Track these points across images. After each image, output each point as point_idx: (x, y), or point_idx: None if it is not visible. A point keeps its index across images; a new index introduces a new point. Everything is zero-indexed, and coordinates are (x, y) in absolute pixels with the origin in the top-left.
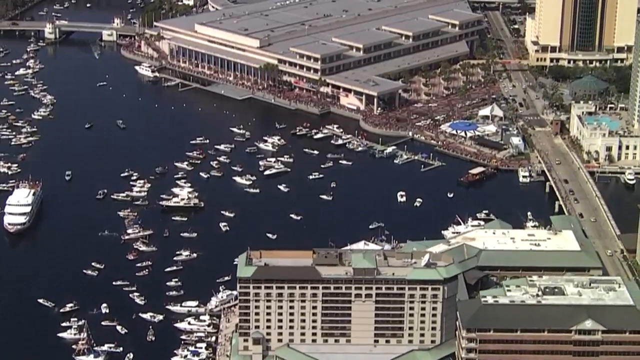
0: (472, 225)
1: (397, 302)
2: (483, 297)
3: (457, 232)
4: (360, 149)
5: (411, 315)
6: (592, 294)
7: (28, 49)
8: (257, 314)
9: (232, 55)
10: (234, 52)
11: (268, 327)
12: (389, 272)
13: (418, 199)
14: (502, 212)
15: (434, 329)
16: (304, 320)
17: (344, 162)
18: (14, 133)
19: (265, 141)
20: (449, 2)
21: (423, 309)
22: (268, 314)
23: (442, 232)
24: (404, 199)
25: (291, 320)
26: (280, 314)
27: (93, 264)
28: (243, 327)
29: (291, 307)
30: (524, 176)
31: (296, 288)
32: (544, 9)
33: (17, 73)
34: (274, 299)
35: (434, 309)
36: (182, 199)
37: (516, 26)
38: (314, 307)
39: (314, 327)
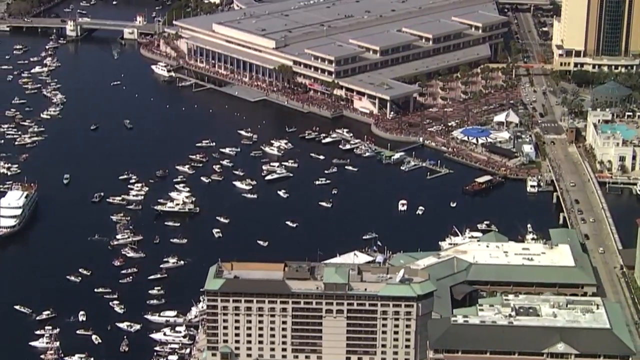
0: (470, 237)
1: (370, 319)
2: (453, 317)
3: (453, 244)
4: (367, 154)
5: (384, 332)
6: (567, 316)
7: (47, 47)
8: (225, 327)
9: (248, 55)
10: (250, 52)
11: (237, 341)
12: (362, 287)
13: (420, 207)
14: (504, 223)
15: (407, 347)
16: (273, 336)
17: (350, 168)
18: (19, 132)
19: (272, 145)
20: (476, 4)
21: (396, 326)
22: (237, 328)
23: (439, 243)
24: (404, 207)
25: (260, 335)
26: (249, 328)
27: (80, 269)
28: (211, 341)
29: (260, 322)
30: (532, 186)
31: (265, 302)
32: (569, 12)
33: (32, 71)
34: (242, 312)
35: (407, 326)
36: (177, 204)
37: (545, 29)
38: (284, 322)
39: (284, 343)
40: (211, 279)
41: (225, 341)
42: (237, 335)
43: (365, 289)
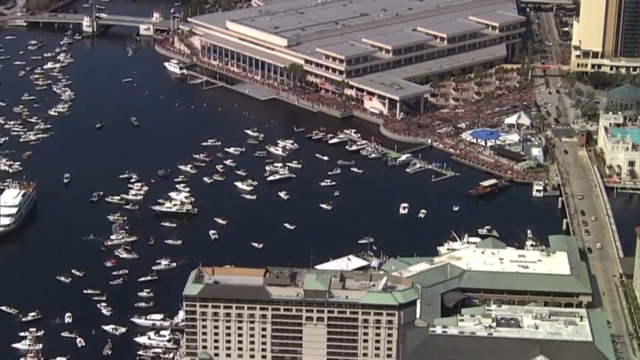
0: (468, 242)
1: (351, 327)
2: (432, 327)
3: (451, 249)
4: (373, 155)
5: (365, 341)
6: (549, 327)
7: (61, 43)
8: (204, 333)
9: (260, 54)
10: (262, 50)
11: (216, 347)
12: (343, 295)
13: (422, 211)
14: (506, 228)
15: (389, 356)
16: (253, 342)
17: (355, 169)
18: (25, 129)
19: (277, 145)
20: (495, 3)
21: (378, 334)
22: (216, 334)
23: (438, 248)
24: (406, 211)
25: (240, 342)
26: (229, 334)
27: (72, 270)
28: (190, 347)
29: (240, 328)
30: (537, 190)
31: (244, 308)
32: (587, 12)
33: (45, 67)
34: (221, 318)
35: (389, 335)
36: (175, 205)
37: (566, 29)
38: (264, 329)
39: (263, 350)
40: (190, 284)
41: (205, 347)
42: (216, 341)
43: (347, 297)
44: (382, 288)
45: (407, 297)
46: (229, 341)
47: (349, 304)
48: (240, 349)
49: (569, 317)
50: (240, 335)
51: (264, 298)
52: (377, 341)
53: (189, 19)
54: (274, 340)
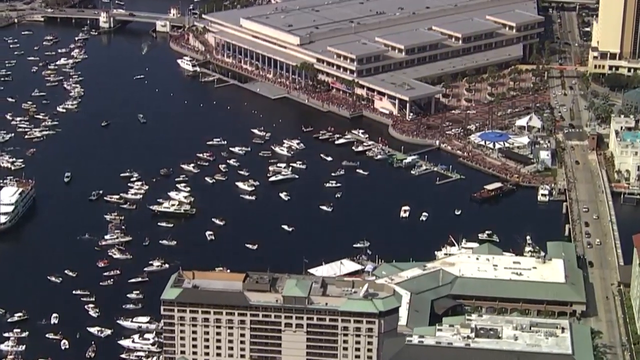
0: (466, 247)
1: (330, 335)
2: (408, 337)
3: (449, 254)
4: (379, 157)
5: (345, 349)
6: (529, 339)
7: (76, 38)
8: (182, 338)
9: (273, 52)
10: (275, 48)
11: (194, 352)
12: (323, 301)
13: (424, 214)
14: (507, 233)
15: None
16: (231, 348)
17: (360, 171)
18: (31, 126)
19: (282, 145)
20: (515, 2)
21: (358, 342)
22: (194, 339)
23: (435, 253)
24: (407, 214)
25: (218, 347)
26: (207, 339)
27: (65, 270)
28: (168, 352)
29: (218, 334)
30: (543, 194)
31: (223, 314)
32: (605, 13)
33: (58, 63)
34: (200, 324)
35: (369, 343)
36: (173, 205)
37: (588, 29)
38: (242, 335)
39: (242, 356)
40: (169, 288)
41: (183, 352)
42: (194, 346)
43: (326, 303)
44: (363, 295)
45: (388, 305)
46: (207, 347)
47: (328, 310)
48: (219, 354)
49: (550, 328)
50: (218, 340)
51: (243, 304)
52: (357, 349)
53: (203, 15)
54: (252, 346)
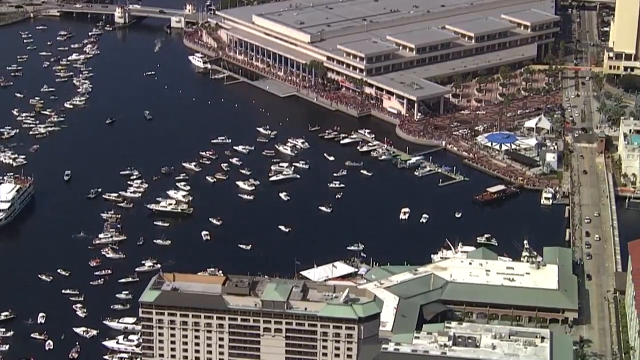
0: (462, 252)
1: (310, 340)
2: (384, 344)
3: (445, 258)
4: (384, 157)
5: (325, 355)
6: (507, 348)
7: (90, 34)
8: (161, 341)
9: (284, 49)
10: (286, 46)
11: (173, 356)
12: (302, 306)
13: (424, 216)
14: (507, 237)
15: None
16: (210, 352)
17: (364, 171)
18: (37, 122)
19: (287, 144)
20: (532, 1)
21: (337, 349)
22: (173, 342)
23: (432, 256)
24: (406, 216)
25: (197, 351)
26: (186, 343)
27: (57, 269)
28: (147, 354)
29: (197, 337)
30: (546, 198)
31: (201, 317)
32: (621, 13)
33: (70, 58)
34: (178, 327)
35: (349, 349)
36: (170, 204)
37: (607, 29)
38: (221, 339)
39: None
40: (147, 291)
41: (162, 355)
42: (173, 350)
43: (306, 309)
44: (343, 301)
45: (369, 311)
46: (186, 350)
47: (307, 316)
48: (197, 358)
49: (529, 337)
50: (197, 344)
51: (221, 307)
52: (337, 355)
53: (217, 12)
54: (231, 350)
